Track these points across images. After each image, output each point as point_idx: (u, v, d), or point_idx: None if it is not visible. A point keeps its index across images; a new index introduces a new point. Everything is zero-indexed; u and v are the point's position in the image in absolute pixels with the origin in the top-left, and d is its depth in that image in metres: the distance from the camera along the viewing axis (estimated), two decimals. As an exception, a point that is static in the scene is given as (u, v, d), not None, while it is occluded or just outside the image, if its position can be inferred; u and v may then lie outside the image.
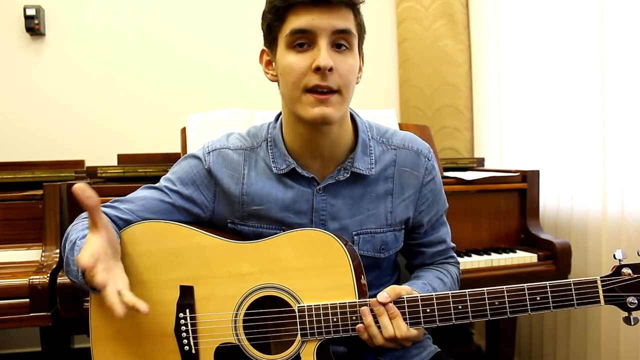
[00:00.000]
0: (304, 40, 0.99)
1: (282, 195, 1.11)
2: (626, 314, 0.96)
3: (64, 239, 1.09)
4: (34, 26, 2.45)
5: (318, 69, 0.97)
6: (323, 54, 0.97)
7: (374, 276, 1.16)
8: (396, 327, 0.98)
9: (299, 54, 1.00)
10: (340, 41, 1.00)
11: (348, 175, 1.09)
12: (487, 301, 0.98)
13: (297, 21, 0.98)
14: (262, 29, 1.07)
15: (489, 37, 2.58)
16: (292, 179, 1.11)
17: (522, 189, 1.98)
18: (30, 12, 2.44)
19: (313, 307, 1.01)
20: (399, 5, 2.79)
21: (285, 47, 1.01)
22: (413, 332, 0.99)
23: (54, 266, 1.56)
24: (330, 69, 0.97)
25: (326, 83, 0.98)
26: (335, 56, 0.99)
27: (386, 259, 1.18)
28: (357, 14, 1.03)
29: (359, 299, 1.00)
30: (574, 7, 1.99)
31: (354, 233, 1.12)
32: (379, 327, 0.99)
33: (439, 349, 1.20)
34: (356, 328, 0.99)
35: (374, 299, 0.99)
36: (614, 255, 0.97)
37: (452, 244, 1.26)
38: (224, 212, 1.14)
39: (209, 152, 1.15)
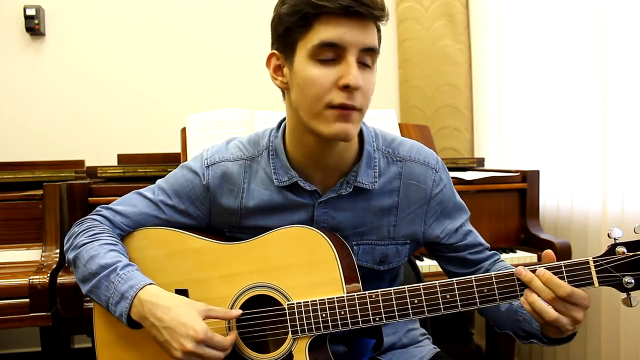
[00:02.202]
0: (331, 55, 0.93)
1: (281, 207, 1.08)
2: (624, 295, 0.91)
3: (76, 252, 1.07)
4: (34, 26, 2.45)
5: (346, 87, 0.92)
6: (354, 73, 0.92)
7: (374, 286, 1.14)
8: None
9: (324, 68, 0.93)
10: (365, 59, 0.96)
11: (351, 190, 1.06)
12: (475, 289, 0.95)
13: (327, 33, 0.92)
14: (276, 31, 0.99)
15: (489, 37, 2.58)
16: (293, 192, 1.08)
17: (522, 189, 1.97)
18: (30, 12, 2.44)
19: (302, 304, 1.00)
20: (399, 5, 2.79)
21: (309, 57, 0.94)
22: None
23: (54, 266, 1.56)
24: (358, 88, 0.93)
25: (352, 102, 0.94)
26: (360, 74, 0.94)
27: (387, 272, 1.15)
28: (379, 29, 0.99)
29: (347, 293, 0.99)
30: (574, 7, 1.99)
31: (353, 243, 1.10)
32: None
33: (439, 349, 1.20)
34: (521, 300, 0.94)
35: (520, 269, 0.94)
36: (609, 234, 0.92)
37: (487, 244, 1.19)
38: (221, 223, 1.14)
39: (208, 167, 1.11)
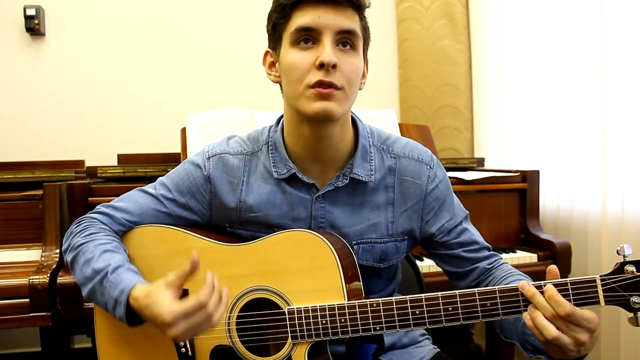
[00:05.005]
0: (309, 39, 0.98)
1: (280, 201, 1.09)
2: (631, 314, 0.89)
3: (73, 254, 1.07)
4: (34, 26, 2.45)
5: (322, 65, 0.96)
6: (327, 50, 0.96)
7: (372, 284, 1.15)
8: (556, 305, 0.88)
9: (303, 51, 0.98)
10: (345, 41, 0.99)
11: (347, 182, 1.07)
12: (478, 302, 0.95)
13: (303, 18, 0.97)
14: (267, 30, 1.06)
15: (489, 37, 2.58)
16: (291, 185, 1.09)
17: (522, 189, 1.98)
18: (30, 12, 2.44)
19: (302, 309, 0.99)
20: (399, 5, 2.79)
21: (290, 45, 1.00)
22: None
23: (54, 266, 1.56)
24: (334, 66, 0.96)
25: (329, 79, 0.96)
26: (340, 55, 0.98)
27: (386, 269, 1.16)
28: (362, 18, 1.03)
29: (347, 293, 0.99)
30: (574, 7, 1.99)
31: (353, 242, 1.10)
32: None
33: (439, 349, 1.20)
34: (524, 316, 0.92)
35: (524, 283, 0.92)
36: (618, 251, 0.90)
37: (487, 244, 1.18)
38: (221, 218, 1.14)
39: (209, 158, 1.13)
